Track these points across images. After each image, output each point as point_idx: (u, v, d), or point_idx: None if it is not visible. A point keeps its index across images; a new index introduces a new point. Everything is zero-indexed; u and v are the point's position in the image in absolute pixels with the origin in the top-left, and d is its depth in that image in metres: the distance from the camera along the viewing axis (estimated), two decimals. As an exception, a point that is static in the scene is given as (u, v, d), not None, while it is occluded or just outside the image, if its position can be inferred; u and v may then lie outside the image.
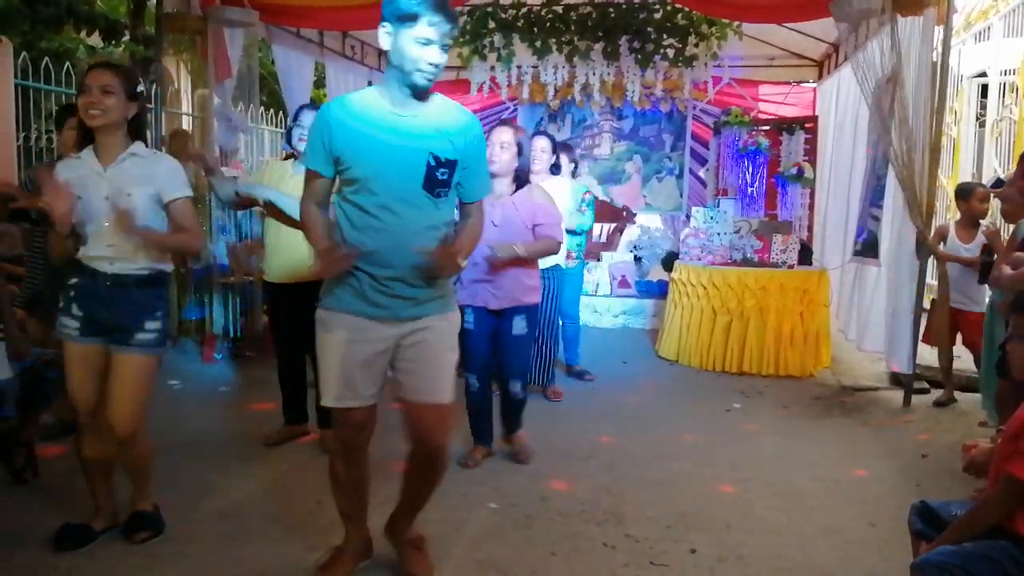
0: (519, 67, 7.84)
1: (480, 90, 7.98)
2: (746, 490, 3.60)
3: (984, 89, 7.55)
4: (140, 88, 2.76)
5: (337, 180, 2.47)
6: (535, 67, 7.80)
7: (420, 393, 2.52)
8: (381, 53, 8.65)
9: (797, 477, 3.78)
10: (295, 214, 3.37)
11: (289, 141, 3.97)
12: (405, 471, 2.69)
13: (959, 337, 4.97)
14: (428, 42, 2.25)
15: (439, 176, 2.36)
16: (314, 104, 4.19)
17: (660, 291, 7.34)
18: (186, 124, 8.79)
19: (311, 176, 2.46)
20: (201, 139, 7.77)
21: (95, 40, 8.46)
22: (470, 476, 3.69)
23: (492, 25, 7.62)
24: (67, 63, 6.33)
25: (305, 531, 3.09)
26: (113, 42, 8.33)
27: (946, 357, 5.02)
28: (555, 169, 4.96)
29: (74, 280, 2.75)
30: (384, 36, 2.31)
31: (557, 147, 5.00)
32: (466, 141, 2.42)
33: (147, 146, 2.83)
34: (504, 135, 3.63)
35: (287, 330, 4.00)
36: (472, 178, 2.51)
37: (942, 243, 4.96)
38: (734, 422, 4.72)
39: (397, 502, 2.76)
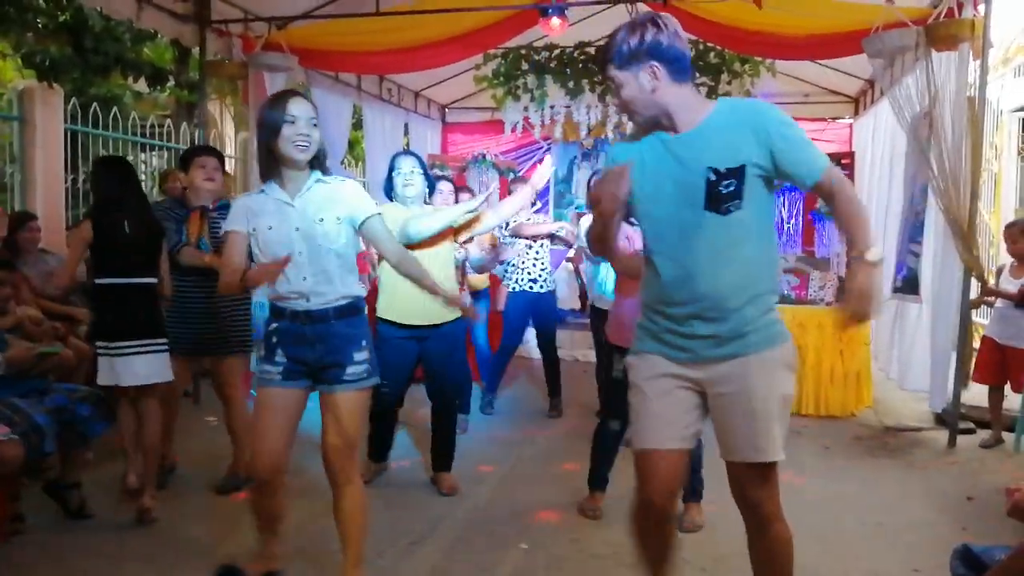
0: (552, 107, 7.92)
1: (514, 130, 8.08)
2: (784, 533, 3.50)
3: (1025, 123, 7.44)
4: None
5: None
6: (568, 107, 7.87)
7: (733, 451, 2.23)
8: (417, 96, 8.88)
9: (838, 520, 3.68)
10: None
11: (389, 192, 3.92)
12: (748, 546, 2.38)
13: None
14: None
15: (723, 190, 2.08)
16: (407, 150, 4.17)
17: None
18: (229, 166, 9.00)
19: None
20: (244, 181, 7.98)
21: (141, 86, 8.75)
22: (501, 516, 3.65)
23: (525, 67, 7.73)
24: (114, 108, 6.55)
25: (335, 570, 3.07)
26: (159, 88, 8.60)
27: (994, 396, 4.89)
28: None
29: (275, 326, 2.66)
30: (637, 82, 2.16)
31: None
32: (757, 133, 2.09)
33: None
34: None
35: (397, 371, 3.85)
36: (796, 159, 2.11)
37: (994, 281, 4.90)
38: (772, 463, 4.62)
39: None
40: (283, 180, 2.62)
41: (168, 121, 7.98)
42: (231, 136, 12.27)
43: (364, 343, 2.68)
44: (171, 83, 8.69)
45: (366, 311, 2.78)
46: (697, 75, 7.49)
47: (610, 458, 3.72)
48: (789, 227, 8.00)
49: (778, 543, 2.30)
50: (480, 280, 5.40)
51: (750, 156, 2.08)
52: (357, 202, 2.67)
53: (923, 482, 4.26)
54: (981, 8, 4.74)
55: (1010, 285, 4.78)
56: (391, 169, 3.92)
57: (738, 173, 2.08)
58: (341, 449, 2.66)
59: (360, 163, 11.17)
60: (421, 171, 3.89)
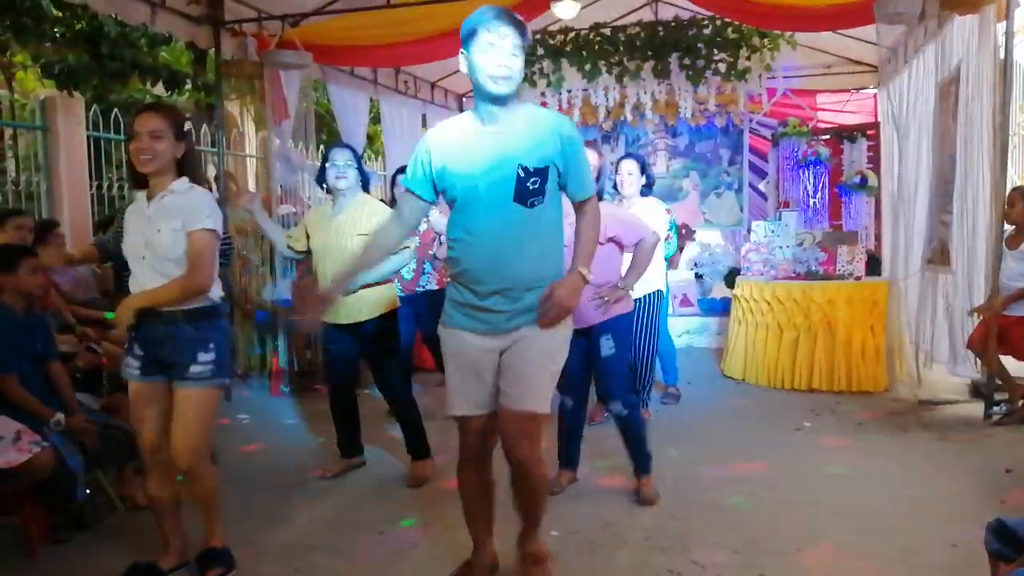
0: (569, 91, 7.87)
1: (532, 116, 8.02)
2: (818, 512, 3.47)
3: (1056, 85, 7.24)
4: (187, 127, 2.85)
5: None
6: (585, 90, 7.81)
7: (506, 398, 2.53)
8: (433, 86, 8.87)
9: (872, 497, 3.63)
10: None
11: (322, 182, 3.97)
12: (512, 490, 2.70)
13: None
14: (491, 46, 2.37)
15: (530, 186, 2.42)
16: (341, 143, 4.29)
17: (723, 309, 7.21)
18: (249, 165, 9.06)
19: (403, 193, 2.64)
20: (264, 179, 8.02)
21: (160, 90, 8.83)
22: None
23: (541, 52, 7.68)
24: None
25: (369, 562, 3.10)
26: (177, 91, 8.67)
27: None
28: (646, 190, 4.89)
29: (134, 321, 2.81)
30: (463, 64, 2.45)
31: (647, 167, 4.90)
32: (557, 144, 2.46)
33: (197, 182, 2.85)
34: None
35: (340, 367, 4.07)
36: (570, 178, 2.52)
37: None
38: (805, 441, 4.58)
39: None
40: (150, 189, 2.79)
41: (189, 123, 8.04)
42: (252, 135, 12.32)
43: (211, 346, 2.82)
44: (189, 86, 8.75)
45: (222, 316, 2.93)
46: (716, 52, 7.40)
47: (568, 434, 3.81)
48: (815, 202, 7.88)
49: (536, 488, 2.68)
50: None
51: (552, 159, 2.44)
52: (191, 212, 2.73)
53: (958, 455, 4.19)
54: (1004, -31, 4.61)
55: (1008, 258, 4.66)
56: (325, 159, 3.95)
57: (543, 172, 2.43)
58: (181, 446, 2.79)
59: (380, 157, 11.16)
60: (355, 164, 3.95)
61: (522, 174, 2.41)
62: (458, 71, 8.26)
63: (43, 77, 8.20)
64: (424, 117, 8.79)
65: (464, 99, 9.49)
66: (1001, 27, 4.65)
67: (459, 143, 2.49)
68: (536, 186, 2.43)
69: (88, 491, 3.36)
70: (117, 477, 3.64)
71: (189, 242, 2.73)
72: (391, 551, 3.20)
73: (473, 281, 2.49)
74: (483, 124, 2.47)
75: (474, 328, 2.54)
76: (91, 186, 6.04)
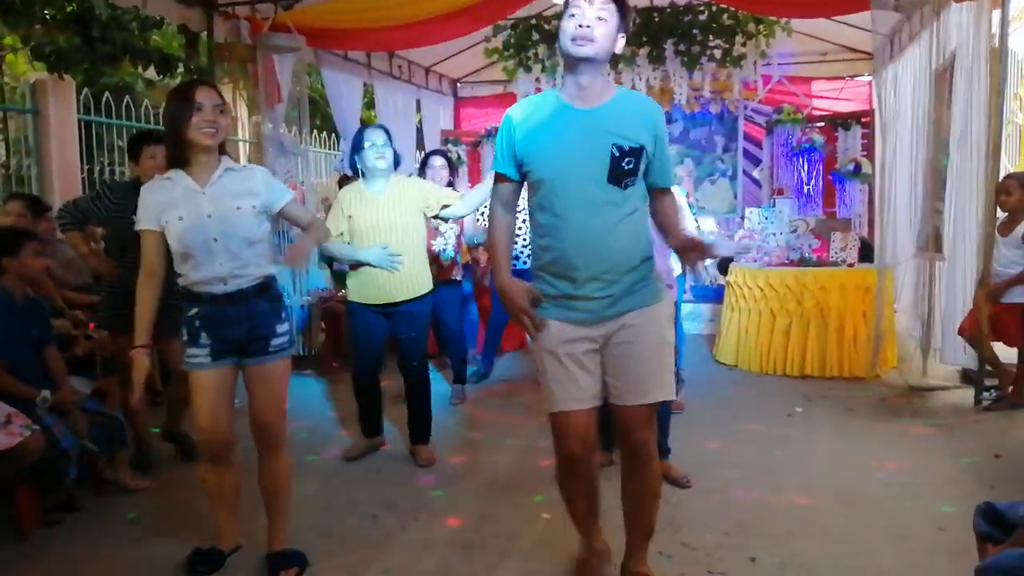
0: (564, 76, 7.82)
1: (526, 102, 7.99)
2: (808, 496, 3.49)
3: (1051, 73, 7.25)
4: None
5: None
6: (581, 76, 7.77)
7: (624, 394, 2.42)
8: (428, 71, 8.81)
9: (863, 482, 3.65)
10: (380, 262, 3.80)
11: (355, 163, 3.97)
12: (622, 486, 2.60)
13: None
14: (577, 7, 2.30)
15: (625, 166, 2.31)
16: (376, 124, 4.26)
17: (716, 295, 7.22)
18: (242, 150, 9.00)
19: (498, 179, 2.51)
20: (257, 164, 7.97)
21: (152, 73, 8.77)
22: (523, 486, 3.66)
23: (536, 37, 7.64)
24: (127, 97, 6.57)
25: (359, 544, 3.11)
26: (169, 75, 8.61)
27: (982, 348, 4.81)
28: None
29: (195, 310, 2.72)
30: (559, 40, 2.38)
31: None
32: (651, 127, 2.36)
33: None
34: None
35: (371, 349, 4.03)
36: (657, 163, 2.40)
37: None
38: (796, 427, 4.59)
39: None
40: (193, 168, 2.69)
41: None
42: (244, 119, 12.24)
43: (284, 315, 2.83)
44: (181, 69, 8.69)
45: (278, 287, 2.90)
46: (711, 38, 7.37)
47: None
48: (809, 189, 7.88)
49: (655, 478, 2.56)
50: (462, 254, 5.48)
51: (645, 140, 2.34)
52: (272, 190, 2.78)
53: (949, 440, 4.21)
54: (999, -45, 4.60)
55: (1003, 246, 4.68)
56: (361, 141, 3.91)
57: (638, 153, 2.33)
58: (271, 417, 2.81)
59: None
60: (391, 144, 3.94)
61: (616, 153, 2.30)
62: (452, 56, 8.19)
63: (33, 60, 8.14)
64: (418, 102, 8.75)
65: (459, 84, 9.45)
66: (996, 15, 4.65)
67: (546, 120, 2.36)
68: (631, 166, 2.31)
69: (78, 472, 3.35)
70: (108, 462, 3.64)
71: (293, 211, 2.86)
72: (381, 535, 3.20)
73: (568, 268, 2.35)
74: (572, 101, 2.36)
75: (570, 319, 2.40)
76: (82, 170, 6.01)
